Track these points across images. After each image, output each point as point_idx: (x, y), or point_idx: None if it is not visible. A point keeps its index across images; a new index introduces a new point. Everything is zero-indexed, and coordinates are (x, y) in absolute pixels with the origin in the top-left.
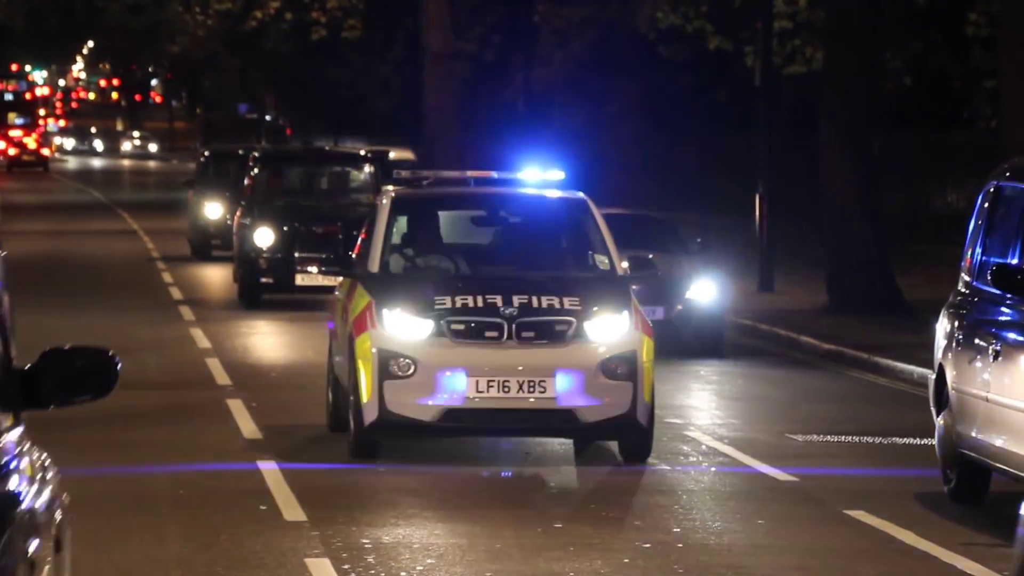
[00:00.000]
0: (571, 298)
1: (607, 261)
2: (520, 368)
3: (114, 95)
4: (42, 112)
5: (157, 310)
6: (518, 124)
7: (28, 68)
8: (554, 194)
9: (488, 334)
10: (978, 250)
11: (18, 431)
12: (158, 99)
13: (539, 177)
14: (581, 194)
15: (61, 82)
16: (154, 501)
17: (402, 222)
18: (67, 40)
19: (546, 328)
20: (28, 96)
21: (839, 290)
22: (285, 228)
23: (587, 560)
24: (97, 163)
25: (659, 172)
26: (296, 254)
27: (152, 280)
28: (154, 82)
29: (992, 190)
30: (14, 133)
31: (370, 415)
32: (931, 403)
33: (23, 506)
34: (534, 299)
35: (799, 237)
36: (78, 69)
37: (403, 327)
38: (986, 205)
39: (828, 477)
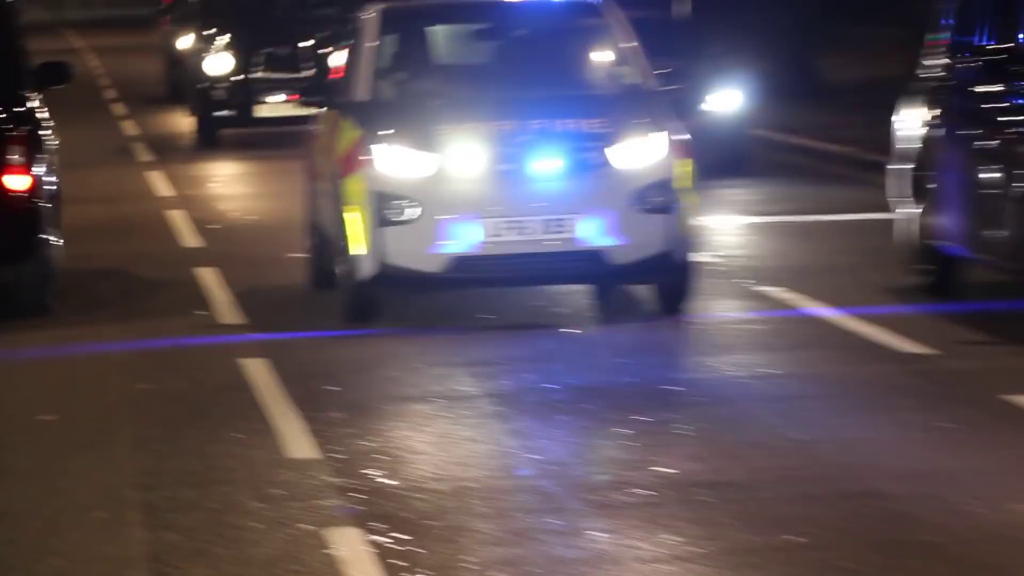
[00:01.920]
0: (595, 120)
1: (635, 74)
2: (539, 205)
3: None
4: None
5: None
6: None
7: None
8: None
9: (501, 167)
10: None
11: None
12: None
13: None
14: None
15: None
16: (98, 304)
17: (391, 41)
18: None
19: (568, 157)
20: None
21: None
22: (241, 51)
23: (579, 375)
24: None
25: None
26: (255, 78)
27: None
28: None
29: None
30: None
31: (366, 268)
32: (895, 192)
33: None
34: (552, 124)
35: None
36: None
37: (401, 163)
38: None
39: (749, 256)
